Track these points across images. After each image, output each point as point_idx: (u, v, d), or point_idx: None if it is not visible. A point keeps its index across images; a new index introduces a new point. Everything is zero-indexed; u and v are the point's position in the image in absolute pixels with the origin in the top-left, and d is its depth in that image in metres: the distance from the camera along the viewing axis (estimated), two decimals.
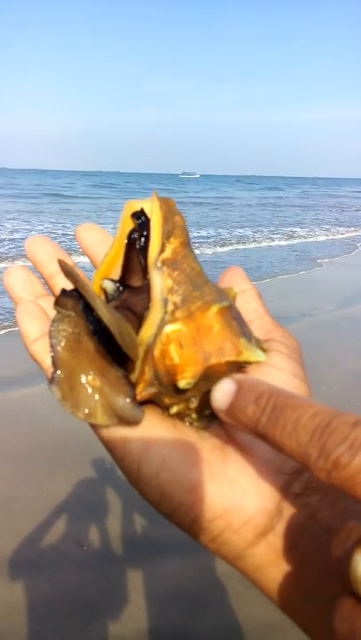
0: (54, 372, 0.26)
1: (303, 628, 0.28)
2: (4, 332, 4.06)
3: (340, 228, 12.39)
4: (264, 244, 9.42)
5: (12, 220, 11.55)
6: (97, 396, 0.27)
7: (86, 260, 0.34)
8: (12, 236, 9.02)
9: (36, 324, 0.30)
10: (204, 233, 10.63)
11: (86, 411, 0.26)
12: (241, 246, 8.94)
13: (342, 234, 11.45)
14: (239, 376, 0.26)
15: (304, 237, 10.61)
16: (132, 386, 0.28)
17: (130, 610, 1.55)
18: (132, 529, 1.91)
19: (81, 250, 0.35)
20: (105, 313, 0.25)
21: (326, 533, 0.27)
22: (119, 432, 0.28)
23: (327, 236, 10.98)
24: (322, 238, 10.55)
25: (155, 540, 1.84)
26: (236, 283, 0.34)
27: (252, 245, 9.15)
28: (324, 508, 0.28)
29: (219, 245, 8.91)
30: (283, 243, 9.60)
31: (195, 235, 9.94)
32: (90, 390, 0.27)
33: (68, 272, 0.26)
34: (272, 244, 9.45)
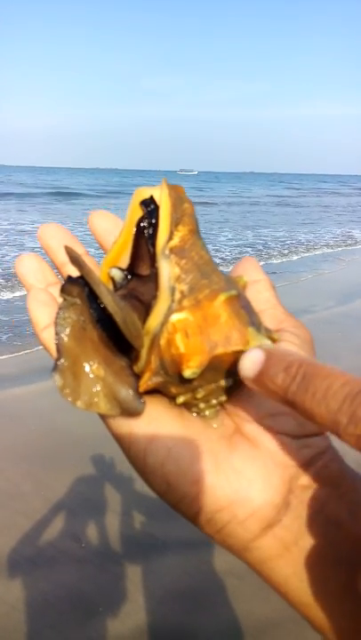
0: (58, 360, 0.26)
1: (311, 621, 0.27)
2: None
3: None
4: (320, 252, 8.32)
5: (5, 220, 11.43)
6: (100, 386, 0.26)
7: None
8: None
9: (47, 312, 0.30)
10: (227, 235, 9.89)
11: (87, 399, 0.26)
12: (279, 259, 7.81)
13: None
14: (268, 345, 0.26)
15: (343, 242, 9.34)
16: (136, 377, 0.27)
17: (128, 607, 1.55)
18: (130, 526, 1.91)
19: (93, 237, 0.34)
20: (110, 301, 0.25)
21: (335, 526, 0.27)
22: (125, 423, 0.28)
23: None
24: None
25: (153, 537, 1.84)
26: (250, 273, 0.33)
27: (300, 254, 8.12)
28: (332, 501, 0.27)
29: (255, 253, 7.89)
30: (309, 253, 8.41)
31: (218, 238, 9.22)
32: (93, 379, 0.26)
33: (73, 258, 0.25)
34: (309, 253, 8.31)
